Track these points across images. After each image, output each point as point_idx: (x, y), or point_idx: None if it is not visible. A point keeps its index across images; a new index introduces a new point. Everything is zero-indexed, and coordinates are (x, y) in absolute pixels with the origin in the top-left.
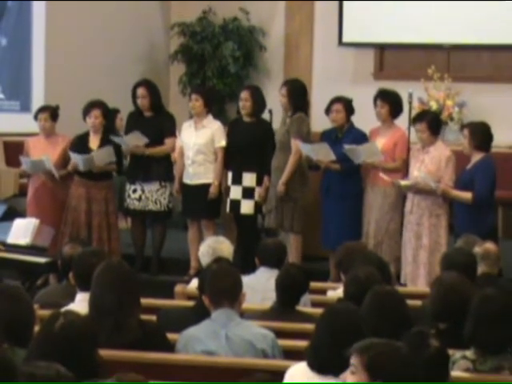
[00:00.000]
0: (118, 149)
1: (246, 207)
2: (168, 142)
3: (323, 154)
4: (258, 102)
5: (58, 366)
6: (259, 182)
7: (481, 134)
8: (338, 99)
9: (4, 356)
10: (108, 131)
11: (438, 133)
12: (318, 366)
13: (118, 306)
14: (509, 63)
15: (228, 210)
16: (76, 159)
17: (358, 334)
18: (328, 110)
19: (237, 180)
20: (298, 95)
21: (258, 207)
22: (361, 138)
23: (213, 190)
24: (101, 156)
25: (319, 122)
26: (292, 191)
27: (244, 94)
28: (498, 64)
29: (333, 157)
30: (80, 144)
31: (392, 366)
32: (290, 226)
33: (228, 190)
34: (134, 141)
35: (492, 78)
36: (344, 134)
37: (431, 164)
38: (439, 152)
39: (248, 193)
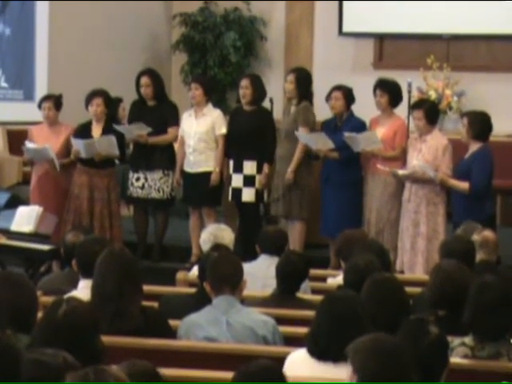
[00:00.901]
0: (120, 137)
1: (248, 195)
2: (171, 131)
3: (321, 142)
4: (258, 90)
5: (64, 353)
6: (260, 169)
7: (480, 124)
8: (337, 87)
9: (7, 342)
10: (111, 120)
11: (435, 122)
12: (318, 353)
13: (120, 293)
14: (507, 53)
15: (230, 198)
16: (78, 145)
17: (357, 321)
18: (328, 98)
19: (238, 168)
20: (305, 83)
21: (259, 195)
22: (360, 126)
23: (214, 177)
24: (103, 143)
25: (319, 111)
26: (300, 179)
27: (244, 82)
28: (496, 54)
29: (331, 145)
30: (83, 132)
31: (370, 362)
32: (299, 214)
33: (229, 178)
34: (137, 130)
35: (490, 67)
36: (343, 122)
37: (428, 153)
38: (436, 141)
39: (249, 181)
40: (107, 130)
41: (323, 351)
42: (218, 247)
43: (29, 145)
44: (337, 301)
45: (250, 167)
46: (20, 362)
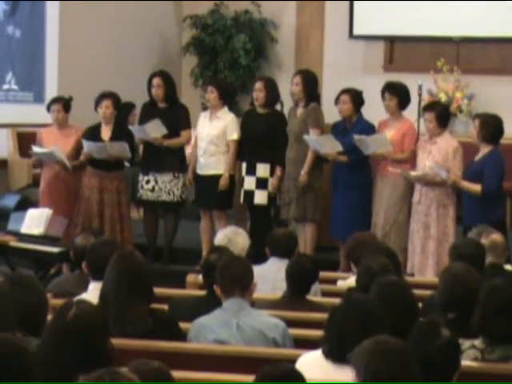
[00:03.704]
0: (131, 139)
1: (260, 197)
2: (184, 134)
3: (329, 145)
4: (272, 92)
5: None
6: (273, 172)
7: (491, 127)
8: (345, 90)
9: (18, 344)
10: (120, 122)
11: (446, 126)
12: (334, 356)
13: (130, 296)
14: None
15: (242, 200)
16: (89, 147)
17: (375, 325)
18: (337, 101)
19: (251, 171)
20: (311, 84)
21: (271, 198)
22: (368, 129)
23: (222, 182)
24: (115, 147)
25: (329, 114)
26: (313, 181)
27: (258, 85)
28: (506, 56)
29: (339, 148)
30: (92, 135)
31: (372, 362)
32: (313, 216)
33: (242, 180)
34: (154, 130)
35: (500, 70)
36: (352, 125)
37: (438, 155)
38: (446, 143)
39: (261, 183)
40: (116, 132)
41: (340, 354)
42: (217, 250)
43: (35, 149)
44: (355, 304)
45: (263, 170)
46: (30, 363)
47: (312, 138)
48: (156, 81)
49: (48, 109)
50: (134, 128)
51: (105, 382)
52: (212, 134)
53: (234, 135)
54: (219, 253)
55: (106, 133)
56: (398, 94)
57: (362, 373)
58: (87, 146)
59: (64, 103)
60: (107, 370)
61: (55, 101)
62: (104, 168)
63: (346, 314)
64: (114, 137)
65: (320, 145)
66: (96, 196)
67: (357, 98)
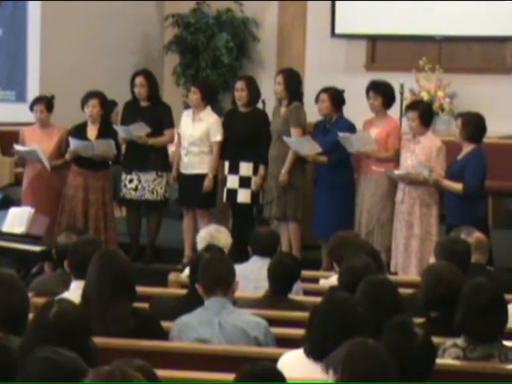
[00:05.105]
0: (116, 138)
1: (243, 196)
2: (167, 133)
3: (308, 147)
4: (254, 91)
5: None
6: (256, 171)
7: (474, 126)
8: (324, 89)
9: (3, 342)
10: (106, 121)
11: (429, 125)
12: (315, 354)
13: (112, 295)
14: (499, 55)
15: (225, 199)
16: (76, 145)
17: (356, 324)
18: (317, 100)
19: (233, 169)
20: (294, 83)
21: (254, 196)
22: (348, 128)
23: (207, 184)
24: (101, 146)
25: (311, 112)
26: (294, 180)
27: (239, 84)
28: (488, 55)
29: (318, 149)
30: (78, 134)
31: (348, 365)
32: (294, 215)
33: (225, 179)
34: (137, 130)
35: (482, 69)
36: (332, 124)
37: (421, 154)
38: (429, 142)
39: (245, 182)
40: (103, 131)
41: (321, 352)
42: (210, 248)
43: (17, 147)
44: (337, 303)
45: (246, 168)
46: (15, 363)
47: (291, 139)
48: (139, 79)
49: (31, 108)
50: (119, 128)
51: (115, 382)
52: (194, 136)
53: (218, 137)
54: (211, 251)
55: (92, 132)
56: (382, 93)
57: (340, 375)
58: (73, 144)
59: (47, 103)
60: (118, 368)
61: (38, 100)
62: (89, 167)
63: (327, 313)
64: (101, 136)
65: (300, 146)
66: (81, 195)
67: (336, 96)
